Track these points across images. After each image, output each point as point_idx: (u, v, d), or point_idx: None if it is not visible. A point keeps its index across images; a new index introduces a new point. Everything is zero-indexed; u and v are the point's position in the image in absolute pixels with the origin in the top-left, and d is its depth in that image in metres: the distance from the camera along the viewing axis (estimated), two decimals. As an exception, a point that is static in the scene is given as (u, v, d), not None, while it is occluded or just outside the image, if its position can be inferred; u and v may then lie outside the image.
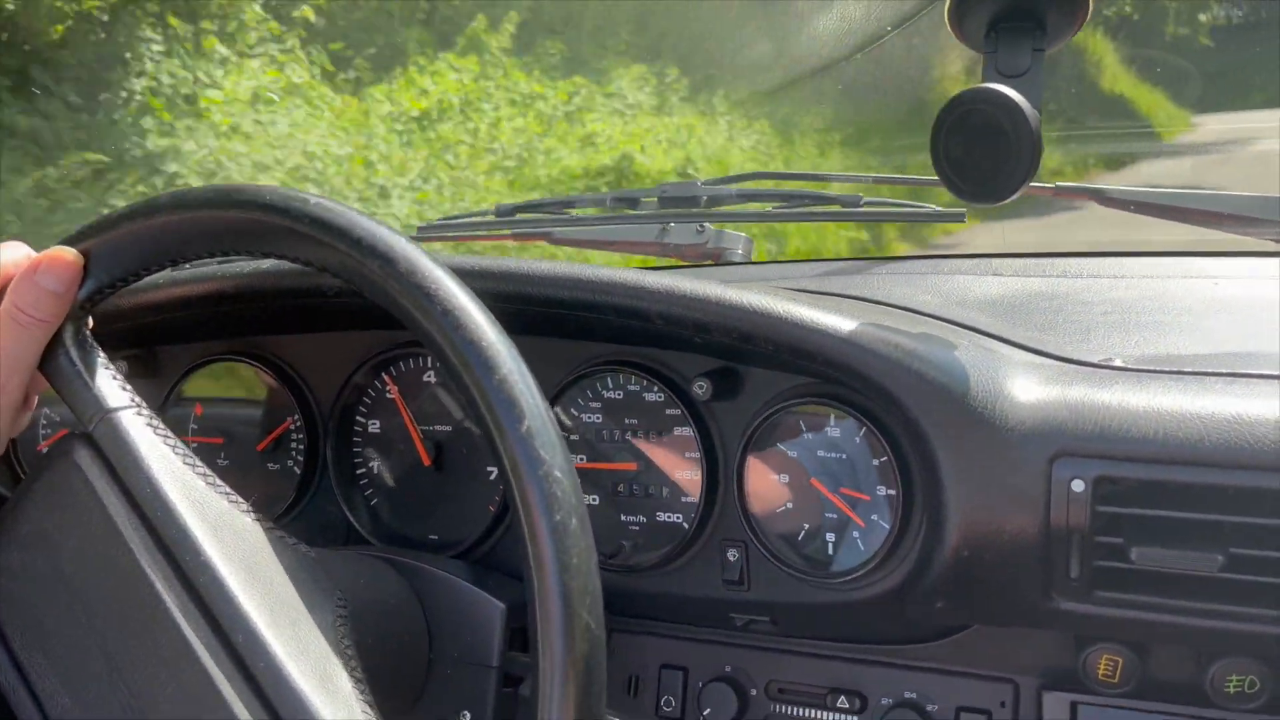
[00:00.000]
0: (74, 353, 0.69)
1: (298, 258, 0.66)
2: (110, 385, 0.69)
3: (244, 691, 0.61)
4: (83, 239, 0.70)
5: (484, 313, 0.61)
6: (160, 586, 0.63)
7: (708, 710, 1.02)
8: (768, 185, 1.19)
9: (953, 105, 0.77)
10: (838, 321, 0.83)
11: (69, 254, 0.69)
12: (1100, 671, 0.87)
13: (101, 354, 0.71)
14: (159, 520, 0.65)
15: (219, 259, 0.74)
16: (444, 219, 1.32)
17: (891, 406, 0.82)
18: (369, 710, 0.63)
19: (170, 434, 0.70)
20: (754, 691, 1.02)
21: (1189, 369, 0.81)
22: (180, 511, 0.65)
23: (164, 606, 0.63)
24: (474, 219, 1.31)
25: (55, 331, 0.68)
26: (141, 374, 1.16)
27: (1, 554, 0.67)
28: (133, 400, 0.70)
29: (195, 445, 1.18)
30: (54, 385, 0.70)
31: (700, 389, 0.93)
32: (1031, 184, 0.85)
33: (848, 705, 0.98)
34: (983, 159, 0.76)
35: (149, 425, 0.69)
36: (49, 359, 0.69)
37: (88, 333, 0.71)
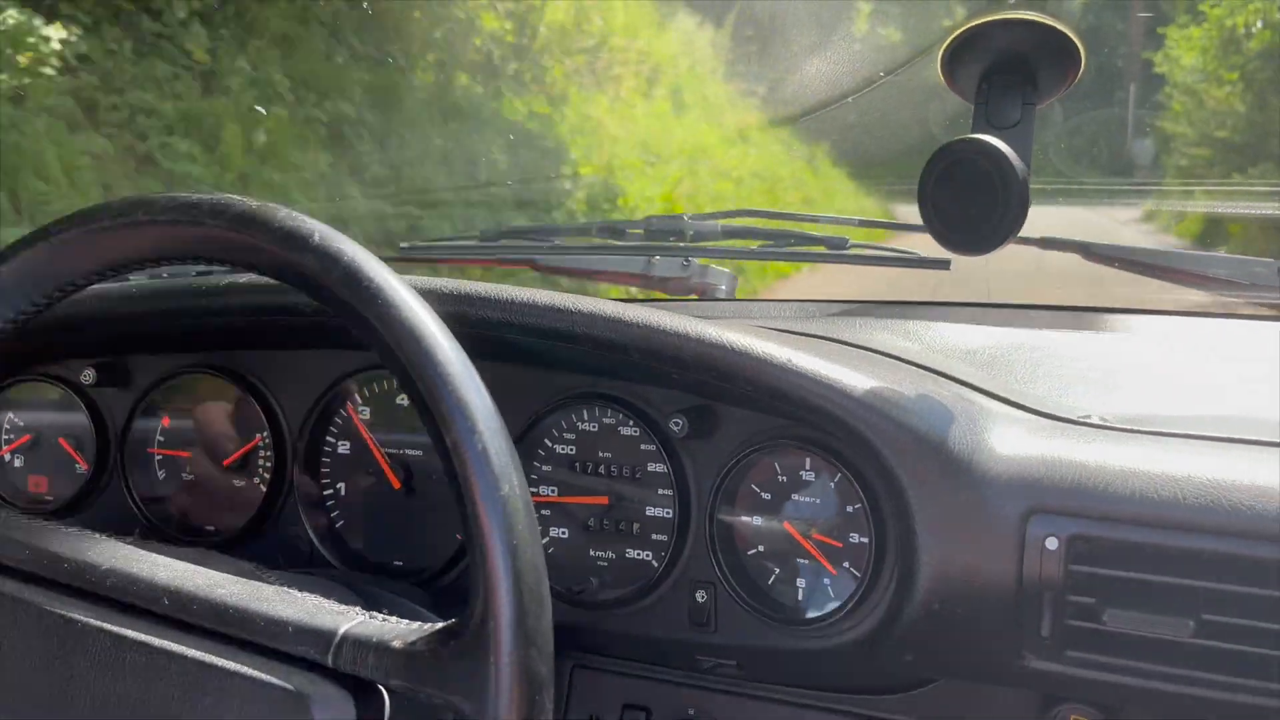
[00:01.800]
0: None
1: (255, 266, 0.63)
2: None
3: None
4: None
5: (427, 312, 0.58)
6: (77, 614, 0.61)
7: (669, 754, 1.00)
8: (755, 223, 1.18)
9: (941, 154, 0.76)
10: (817, 365, 0.82)
11: None
12: (1068, 732, 0.86)
13: None
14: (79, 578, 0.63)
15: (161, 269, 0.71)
16: (427, 241, 1.30)
17: (867, 454, 0.81)
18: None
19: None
20: (717, 736, 1.00)
21: (1169, 430, 0.80)
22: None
23: (82, 625, 0.61)
24: (458, 242, 1.29)
25: None
26: (110, 383, 1.14)
27: None
28: None
29: (161, 458, 1.16)
30: None
31: (677, 425, 0.92)
32: (1018, 236, 0.85)
33: (811, 755, 0.96)
34: (970, 209, 0.76)
35: None
36: None
37: None
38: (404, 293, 0.58)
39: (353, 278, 0.58)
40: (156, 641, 0.60)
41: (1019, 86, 0.82)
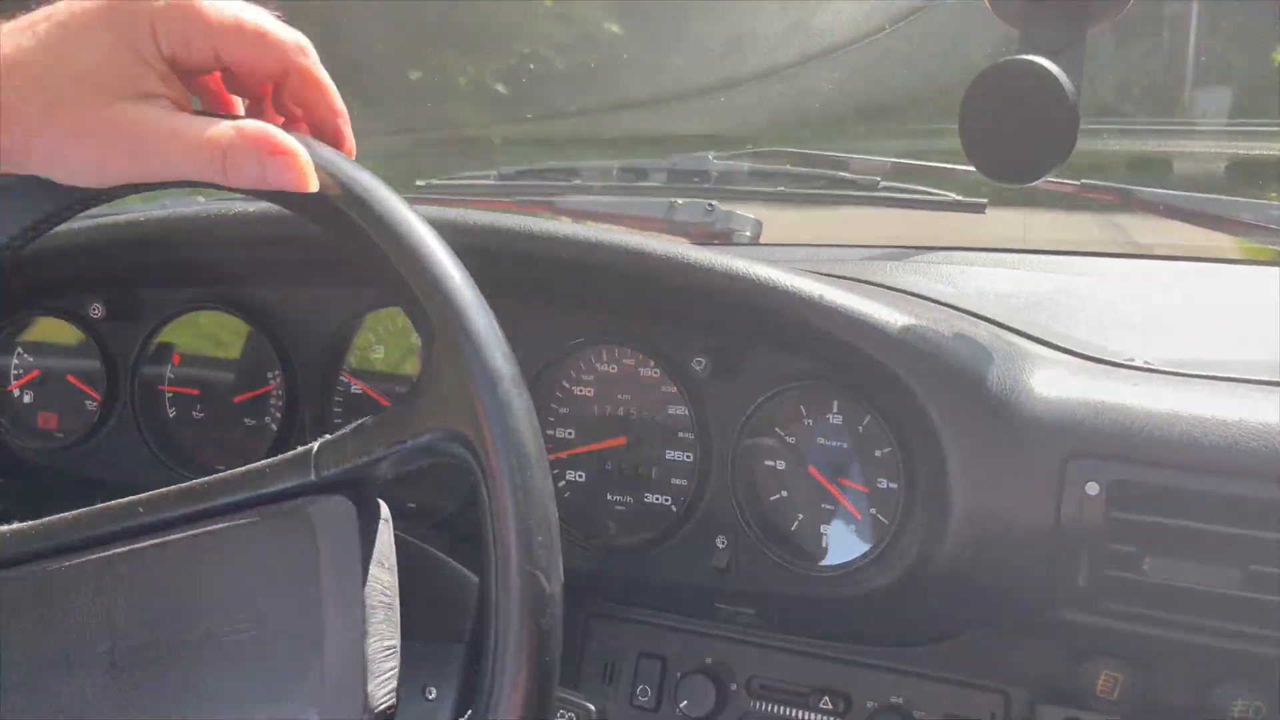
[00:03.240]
0: None
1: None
2: None
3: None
4: None
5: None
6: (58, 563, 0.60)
7: (684, 703, 0.97)
8: (783, 164, 1.14)
9: (985, 77, 0.72)
10: (848, 300, 0.79)
11: None
12: (1099, 687, 0.83)
13: None
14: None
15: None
16: (444, 179, 1.27)
17: (899, 394, 0.78)
18: None
19: None
20: (734, 686, 0.98)
21: (1219, 374, 0.76)
22: None
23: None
24: (475, 180, 1.26)
25: None
26: (119, 316, 1.12)
27: None
28: None
29: (172, 395, 1.13)
30: None
31: (699, 366, 0.89)
32: (1057, 179, 0.81)
33: (831, 707, 0.94)
34: (1013, 136, 0.72)
35: None
36: None
37: None
38: (409, 215, 0.55)
39: (358, 199, 0.55)
40: (142, 543, 0.58)
41: (1069, 9, 0.77)
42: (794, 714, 0.95)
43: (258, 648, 0.56)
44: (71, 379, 1.16)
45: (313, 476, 0.56)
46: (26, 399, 1.18)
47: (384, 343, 1.06)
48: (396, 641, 0.58)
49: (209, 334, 1.12)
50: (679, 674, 0.99)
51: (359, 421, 0.56)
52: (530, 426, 0.53)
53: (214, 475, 0.58)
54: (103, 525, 0.60)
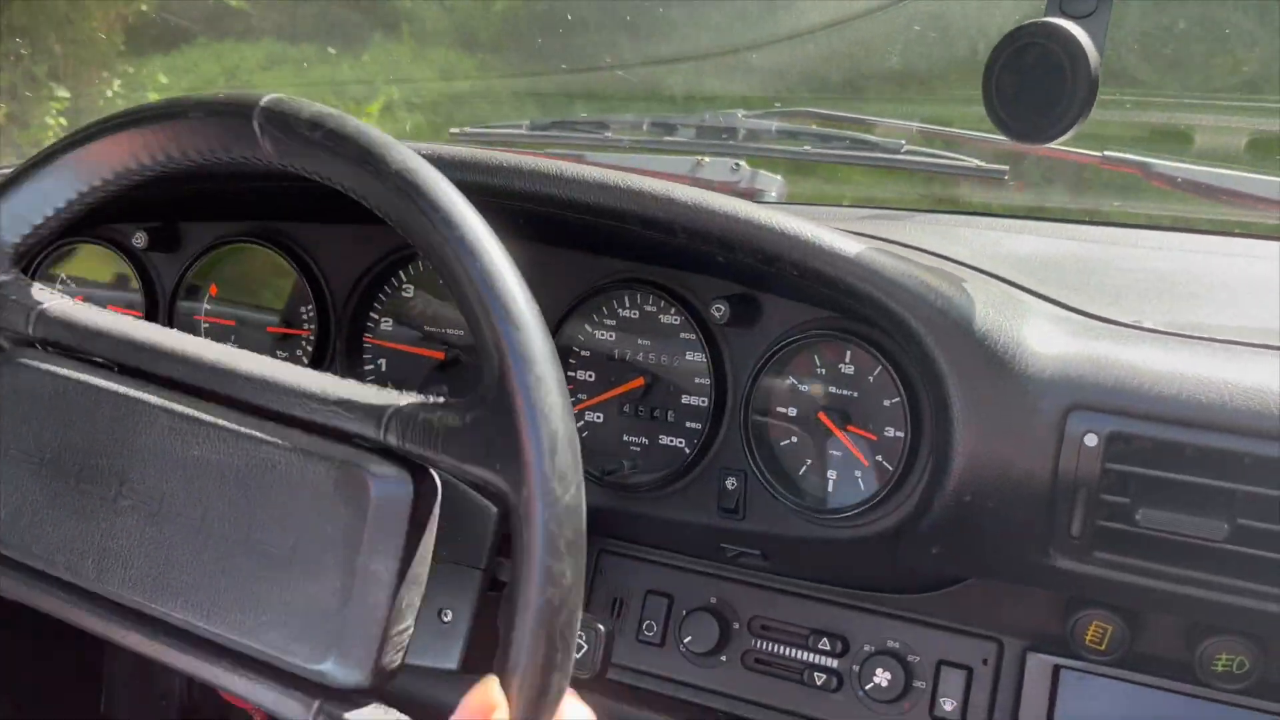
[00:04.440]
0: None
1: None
2: (38, 292, 0.70)
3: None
4: None
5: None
6: (153, 399, 0.64)
7: (689, 638, 1.02)
8: (809, 124, 1.17)
9: (1012, 37, 0.74)
10: (864, 252, 0.81)
11: None
12: (1088, 638, 0.86)
13: (35, 286, 0.71)
14: (143, 360, 0.65)
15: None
16: (476, 127, 1.30)
17: (910, 343, 0.81)
18: None
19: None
20: (737, 625, 1.02)
21: (1217, 336, 0.79)
22: (164, 340, 0.65)
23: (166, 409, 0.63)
24: (506, 130, 1.29)
25: None
26: (160, 247, 1.16)
27: None
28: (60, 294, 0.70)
29: (208, 325, 1.18)
30: None
31: (718, 312, 0.92)
32: (1079, 150, 0.83)
33: (829, 648, 0.98)
34: (1035, 96, 0.74)
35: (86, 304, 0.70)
36: None
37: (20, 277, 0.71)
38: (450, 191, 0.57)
39: (366, 153, 0.58)
40: (213, 419, 0.62)
41: (1096, -26, 0.79)
42: (793, 653, 0.99)
43: (289, 574, 0.59)
44: (112, 306, 1.20)
45: (379, 437, 0.58)
46: (69, 323, 1.23)
47: (418, 284, 1.10)
48: (415, 612, 0.61)
49: (246, 268, 1.16)
50: (684, 611, 1.03)
51: (431, 414, 0.57)
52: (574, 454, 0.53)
53: (293, 379, 0.61)
54: (177, 369, 0.64)
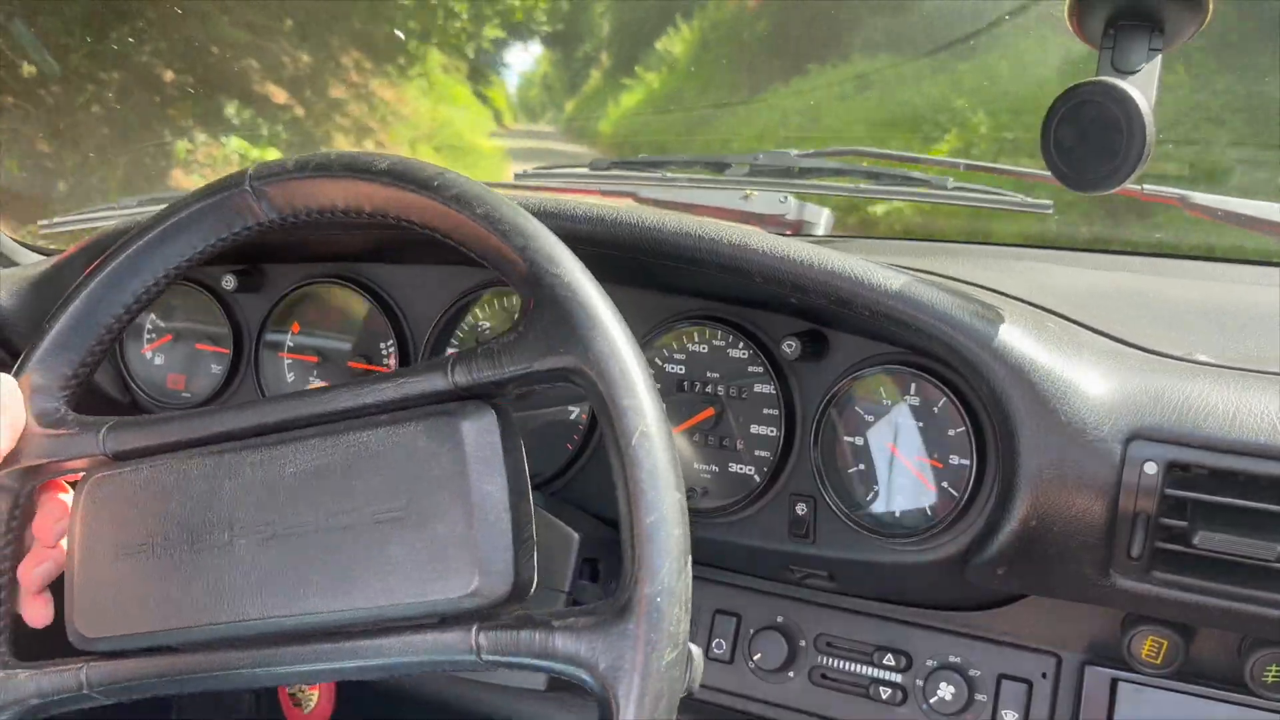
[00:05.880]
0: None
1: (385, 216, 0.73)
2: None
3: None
4: (25, 358, 0.75)
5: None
6: (234, 447, 0.71)
7: (758, 655, 1.07)
8: (861, 162, 1.22)
9: (1069, 95, 0.80)
10: (931, 295, 0.87)
11: (4, 387, 0.73)
12: (1144, 651, 0.92)
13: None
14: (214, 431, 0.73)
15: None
16: (539, 169, 1.36)
17: (976, 378, 0.86)
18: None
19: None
20: (803, 642, 1.07)
21: (1271, 369, 0.84)
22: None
23: None
24: (568, 171, 1.35)
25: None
26: (247, 289, 1.22)
27: None
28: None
29: (291, 361, 1.24)
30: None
31: (789, 348, 0.98)
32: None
33: (893, 663, 1.03)
34: (1093, 149, 0.79)
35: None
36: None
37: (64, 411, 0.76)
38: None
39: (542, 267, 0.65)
40: (296, 438, 0.68)
41: (1146, 32, 0.84)
42: (858, 669, 1.05)
43: (415, 528, 0.65)
44: (200, 345, 1.27)
45: (449, 383, 0.65)
46: (158, 361, 1.29)
47: (492, 320, 1.16)
48: (533, 521, 0.66)
49: (328, 306, 1.22)
50: (752, 630, 1.08)
51: (485, 343, 0.65)
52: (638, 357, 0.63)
53: (354, 386, 0.68)
54: (274, 415, 0.70)
